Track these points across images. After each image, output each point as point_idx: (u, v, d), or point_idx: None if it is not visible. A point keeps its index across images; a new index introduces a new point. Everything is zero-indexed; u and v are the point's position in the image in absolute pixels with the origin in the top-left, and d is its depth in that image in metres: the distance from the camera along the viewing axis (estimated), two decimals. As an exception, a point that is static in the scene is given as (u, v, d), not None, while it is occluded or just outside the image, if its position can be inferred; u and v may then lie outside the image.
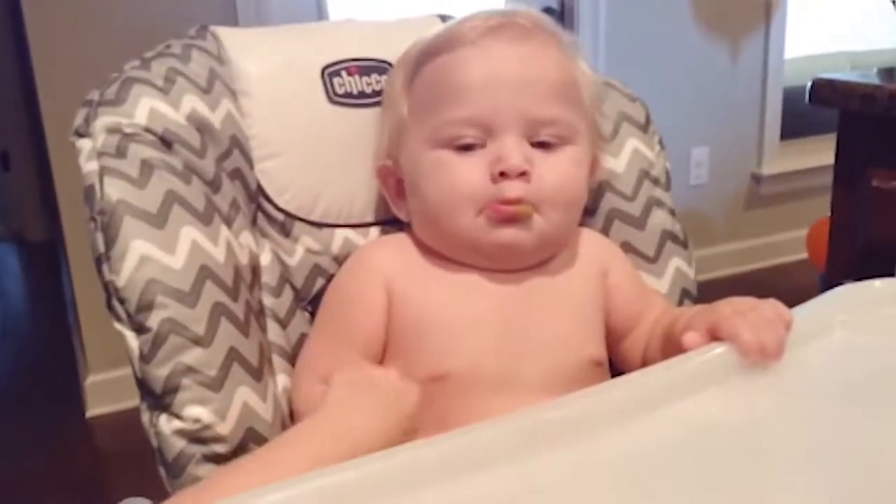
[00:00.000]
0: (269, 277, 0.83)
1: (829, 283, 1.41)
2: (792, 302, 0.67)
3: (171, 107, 0.78)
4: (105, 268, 0.71)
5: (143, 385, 0.70)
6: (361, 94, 0.88)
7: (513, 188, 0.74)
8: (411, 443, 0.56)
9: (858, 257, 1.40)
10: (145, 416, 0.71)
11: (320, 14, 2.30)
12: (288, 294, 0.85)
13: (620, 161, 0.92)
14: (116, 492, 1.84)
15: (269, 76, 0.86)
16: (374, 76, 0.89)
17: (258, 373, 0.73)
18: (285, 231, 0.85)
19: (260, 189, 0.84)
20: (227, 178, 0.80)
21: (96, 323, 2.10)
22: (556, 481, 0.53)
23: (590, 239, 0.86)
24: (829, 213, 1.49)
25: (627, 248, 0.90)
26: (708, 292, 0.89)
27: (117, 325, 0.71)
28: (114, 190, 0.72)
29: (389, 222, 0.88)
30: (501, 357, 0.75)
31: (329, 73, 0.87)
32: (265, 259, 0.84)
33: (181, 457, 0.69)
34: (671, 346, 0.71)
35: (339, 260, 0.86)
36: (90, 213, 0.73)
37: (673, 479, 0.54)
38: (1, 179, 3.60)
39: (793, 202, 2.95)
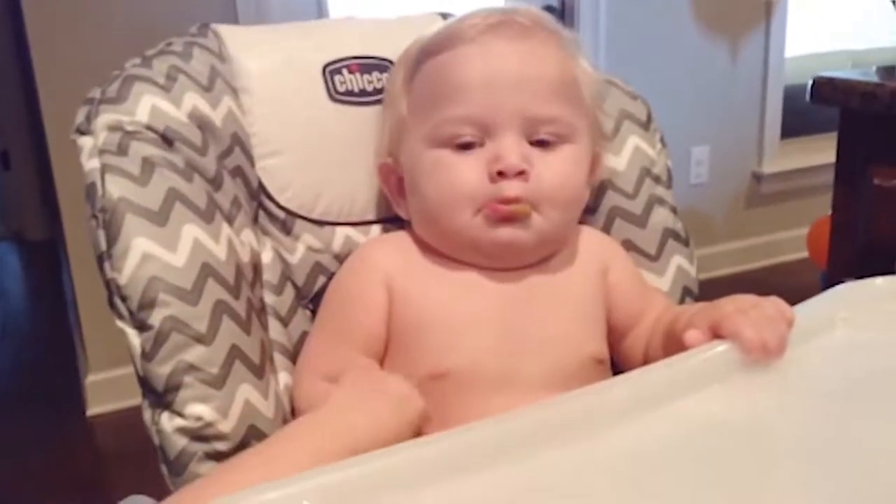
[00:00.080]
0: (270, 275, 0.83)
1: (830, 281, 1.42)
2: (793, 300, 0.67)
3: (172, 104, 0.78)
4: (107, 266, 0.71)
5: (145, 383, 0.70)
6: (363, 92, 0.88)
7: (511, 187, 0.74)
8: (412, 440, 0.56)
9: (859, 255, 1.40)
10: (147, 414, 0.71)
11: (320, 12, 2.29)
12: (289, 292, 0.85)
13: (622, 159, 0.92)
14: (117, 491, 1.84)
15: (271, 74, 0.86)
16: (375, 74, 0.89)
17: (260, 370, 0.73)
18: (286, 229, 0.85)
19: (261, 187, 0.84)
20: (228, 175, 0.80)
21: (97, 322, 2.10)
22: (556, 480, 0.53)
23: (590, 237, 0.86)
24: (829, 212, 1.49)
25: (629, 246, 0.90)
26: (709, 291, 0.89)
27: (119, 323, 0.71)
28: (115, 188, 0.72)
29: (390, 220, 0.88)
30: (501, 355, 0.75)
31: (330, 70, 0.87)
32: (266, 257, 0.84)
33: (183, 455, 0.69)
34: (673, 344, 0.71)
35: (341, 258, 0.86)
36: (92, 210, 0.73)
37: (674, 478, 0.54)
38: (1, 178, 3.60)
39: (793, 201, 2.95)
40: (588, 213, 0.90)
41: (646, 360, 0.80)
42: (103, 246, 0.72)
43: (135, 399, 0.73)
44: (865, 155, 1.39)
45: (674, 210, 0.93)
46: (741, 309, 0.65)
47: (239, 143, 0.82)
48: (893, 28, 2.78)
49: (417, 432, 0.66)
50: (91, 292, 2.06)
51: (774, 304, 0.66)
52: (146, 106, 0.76)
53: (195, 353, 0.69)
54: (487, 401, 0.73)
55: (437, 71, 0.79)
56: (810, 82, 1.44)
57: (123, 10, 2.03)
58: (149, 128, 0.76)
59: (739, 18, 2.75)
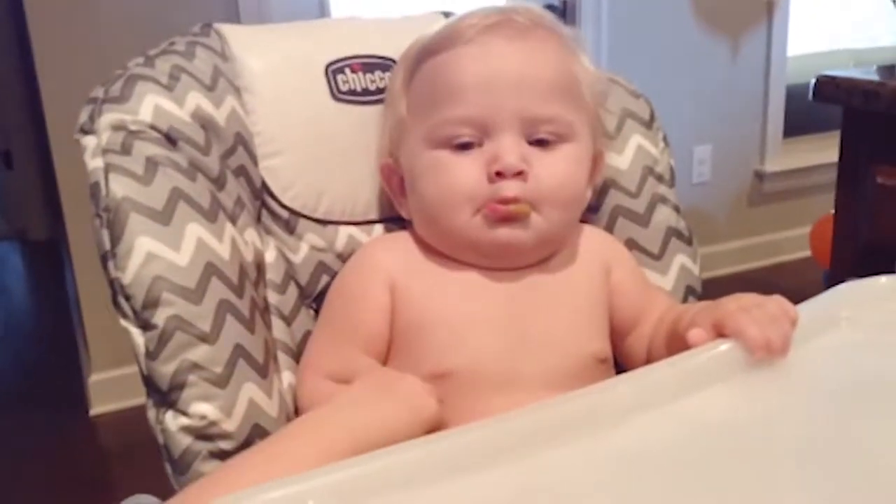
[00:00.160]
0: (273, 274, 0.83)
1: (832, 280, 1.42)
2: (795, 299, 0.67)
3: (175, 104, 0.78)
4: (111, 265, 0.72)
5: (149, 382, 0.70)
6: (365, 91, 0.88)
7: (509, 188, 0.74)
8: (415, 440, 0.56)
9: (862, 254, 1.40)
10: (151, 413, 0.71)
11: (322, 11, 2.30)
12: (293, 291, 0.85)
13: (624, 158, 0.92)
14: (120, 490, 1.84)
15: (273, 73, 0.86)
16: (378, 73, 0.89)
17: (264, 369, 0.74)
18: (290, 228, 0.85)
19: (264, 186, 0.84)
20: (231, 175, 0.80)
21: (99, 321, 2.11)
22: (559, 479, 0.53)
23: (593, 236, 0.86)
24: (831, 211, 1.49)
25: (632, 245, 0.90)
26: (711, 290, 0.89)
27: (123, 322, 0.71)
28: (119, 187, 0.72)
29: (393, 220, 0.88)
30: (503, 355, 0.75)
31: (333, 70, 0.87)
32: (270, 256, 0.84)
33: (187, 453, 0.69)
34: (676, 343, 0.71)
35: (344, 257, 0.86)
36: (95, 210, 0.73)
37: (677, 476, 0.54)
38: (4, 178, 3.60)
39: (796, 200, 2.95)
40: (591, 212, 0.90)
41: (649, 359, 0.80)
42: (107, 245, 0.72)
43: (138, 398, 0.73)
44: (868, 154, 1.39)
45: (677, 209, 0.92)
46: (745, 308, 0.65)
47: (242, 142, 0.82)
48: (894, 27, 2.77)
49: (430, 433, 0.66)
50: (94, 292, 2.06)
51: (778, 302, 0.66)
52: (149, 105, 0.76)
53: (199, 352, 0.70)
54: (489, 400, 0.73)
55: (435, 71, 0.79)
56: (813, 81, 1.44)
57: (125, 9, 2.03)
58: (152, 127, 0.76)
59: (742, 17, 2.74)
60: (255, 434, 0.71)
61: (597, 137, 0.84)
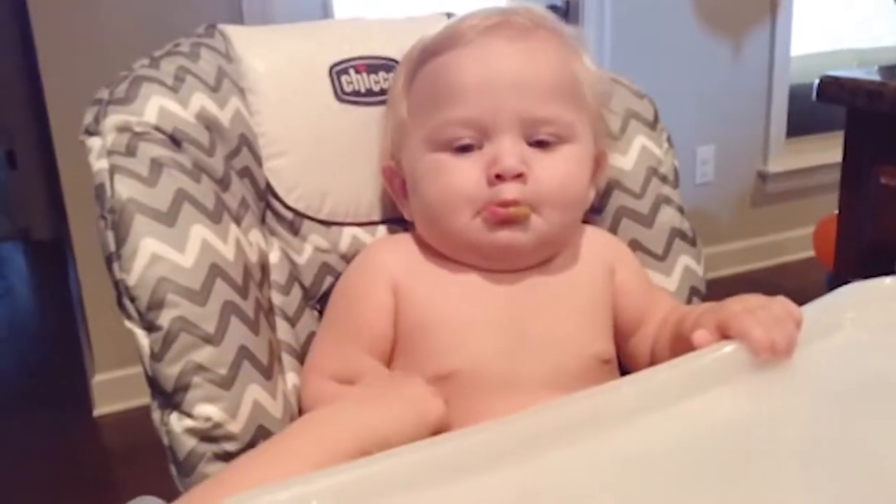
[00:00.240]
0: (278, 275, 0.83)
1: (836, 280, 1.41)
2: (798, 300, 0.67)
3: (180, 105, 0.78)
4: (116, 266, 0.72)
5: (154, 383, 0.70)
6: (369, 92, 0.88)
7: (509, 190, 0.74)
8: (418, 442, 0.56)
9: (866, 255, 1.40)
10: (156, 415, 0.71)
11: (325, 13, 2.30)
12: (297, 292, 0.85)
13: (628, 159, 0.91)
14: (124, 490, 1.85)
15: (278, 74, 0.86)
16: (382, 74, 0.89)
17: (268, 371, 0.74)
18: (294, 229, 0.85)
19: (269, 187, 0.84)
20: (236, 176, 0.81)
21: (103, 321, 2.11)
22: (562, 481, 0.53)
23: (596, 237, 0.86)
24: (835, 211, 1.49)
25: (635, 245, 0.90)
26: (714, 290, 0.89)
27: (128, 324, 0.71)
28: (124, 188, 0.72)
29: (396, 221, 0.89)
30: (505, 356, 0.76)
31: (337, 71, 0.88)
32: (274, 257, 0.84)
33: (192, 455, 0.69)
34: (680, 344, 0.71)
35: (348, 258, 0.86)
36: (100, 211, 0.73)
37: (681, 478, 0.54)
38: (8, 178, 3.61)
39: (799, 200, 2.95)
40: (595, 212, 0.90)
41: (652, 361, 0.80)
42: (112, 247, 0.72)
43: (142, 399, 0.73)
44: (872, 154, 1.39)
45: (681, 210, 0.92)
46: (749, 309, 0.65)
47: (246, 143, 0.82)
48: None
49: (436, 434, 0.66)
50: (97, 292, 2.06)
51: (782, 304, 0.66)
52: (154, 107, 0.77)
53: (204, 354, 0.70)
54: (492, 402, 0.73)
55: (435, 74, 0.79)
56: (817, 81, 1.43)
57: (128, 9, 2.03)
58: (157, 129, 0.76)
59: (745, 17, 2.74)
60: (260, 435, 0.71)
61: (599, 138, 0.84)
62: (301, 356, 0.82)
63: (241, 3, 2.13)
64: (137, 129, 0.75)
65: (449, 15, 0.94)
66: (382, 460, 0.52)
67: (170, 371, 0.69)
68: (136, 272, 0.70)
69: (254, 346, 0.73)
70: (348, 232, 0.87)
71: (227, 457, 0.70)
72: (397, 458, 0.52)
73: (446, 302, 0.78)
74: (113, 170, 0.73)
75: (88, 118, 0.77)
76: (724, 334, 0.65)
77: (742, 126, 2.83)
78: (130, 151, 0.74)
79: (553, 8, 2.32)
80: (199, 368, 0.69)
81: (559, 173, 0.77)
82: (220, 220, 0.75)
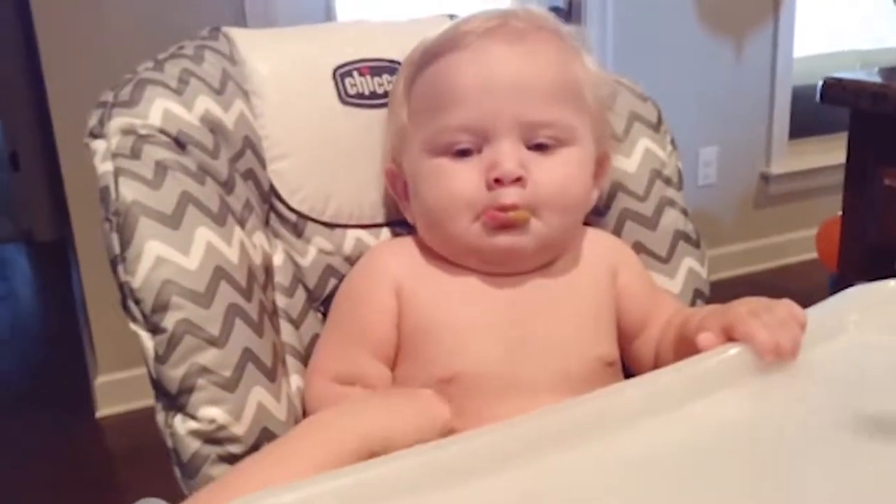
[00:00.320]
0: (281, 278, 0.83)
1: (840, 282, 1.41)
2: (801, 302, 0.67)
3: (184, 108, 0.78)
4: (120, 269, 0.72)
5: (158, 386, 0.71)
6: (373, 95, 0.88)
7: (508, 195, 0.74)
8: (422, 445, 0.56)
9: (870, 256, 1.40)
10: (160, 417, 0.72)
11: (328, 15, 2.30)
12: (300, 295, 0.85)
13: (632, 161, 0.91)
14: (126, 492, 1.85)
15: (282, 77, 0.86)
16: (386, 76, 0.89)
17: (272, 373, 0.74)
18: (297, 231, 0.85)
19: (272, 189, 0.84)
20: (240, 178, 0.81)
21: (106, 323, 2.11)
22: (566, 483, 0.53)
23: (599, 239, 0.86)
24: (838, 213, 1.49)
25: (639, 248, 0.90)
26: (717, 292, 0.89)
27: (132, 326, 0.71)
28: (129, 191, 0.72)
29: (400, 223, 0.88)
30: (507, 359, 0.76)
31: (341, 73, 0.88)
32: (278, 259, 0.84)
33: (196, 457, 0.69)
34: (684, 347, 0.71)
35: (352, 260, 0.86)
36: (105, 214, 0.74)
37: (686, 481, 0.54)
38: (10, 179, 3.61)
39: (802, 202, 2.94)
40: (598, 215, 0.90)
41: (656, 363, 0.80)
42: (117, 249, 0.72)
43: (144, 400, 0.73)
44: (875, 156, 1.39)
45: (685, 212, 0.92)
46: (754, 311, 0.65)
47: (250, 145, 0.82)
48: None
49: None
50: (100, 293, 2.06)
51: (787, 306, 0.66)
52: (159, 109, 0.77)
53: (208, 356, 0.70)
54: (496, 404, 0.73)
55: (434, 78, 0.79)
56: (820, 83, 1.43)
57: (132, 11, 2.03)
58: (161, 131, 0.76)
59: (747, 19, 2.74)
60: (264, 438, 0.71)
61: (601, 140, 0.83)
62: (305, 358, 0.82)
63: (243, 6, 2.13)
64: (142, 131, 0.76)
65: (452, 17, 0.94)
66: (386, 463, 0.52)
67: (174, 373, 0.69)
68: (141, 274, 0.70)
69: (258, 348, 0.73)
70: (352, 234, 0.87)
71: (231, 459, 0.70)
72: (401, 460, 0.52)
73: (448, 305, 0.78)
74: (117, 172, 0.73)
75: (93, 121, 0.77)
76: (728, 337, 0.65)
77: (745, 128, 2.83)
78: (135, 154, 0.74)
79: (555, 9, 2.32)
80: (204, 371, 0.69)
81: (559, 176, 0.76)
82: (224, 223, 0.75)
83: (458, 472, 0.52)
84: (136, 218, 0.71)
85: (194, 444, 0.69)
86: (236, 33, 0.87)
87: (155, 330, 0.70)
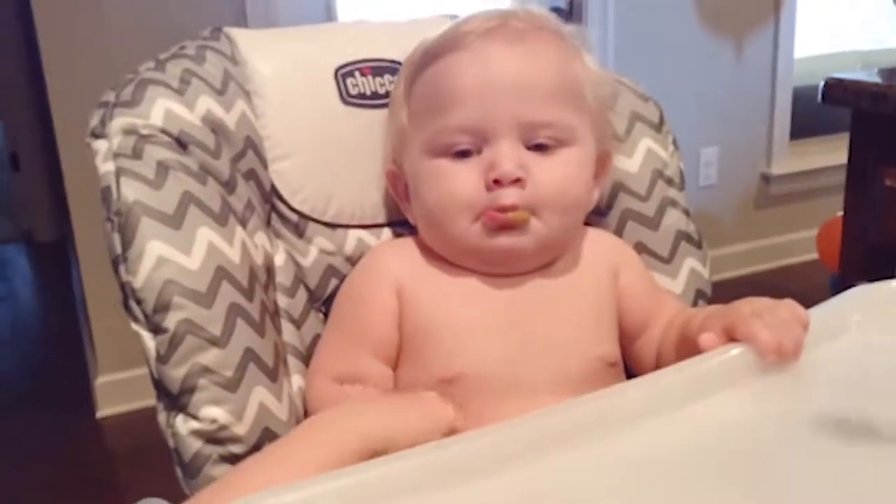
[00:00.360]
0: (283, 278, 0.83)
1: (841, 282, 1.41)
2: (802, 302, 0.67)
3: (186, 108, 0.78)
4: (122, 269, 0.72)
5: (160, 386, 0.71)
6: (375, 95, 0.88)
7: (507, 195, 0.74)
8: (423, 445, 0.56)
9: (871, 257, 1.40)
10: (162, 417, 0.71)
11: (329, 15, 2.30)
12: (302, 295, 0.85)
13: (634, 161, 0.91)
14: (127, 492, 1.85)
15: (283, 77, 0.86)
16: (387, 77, 0.89)
17: (274, 373, 0.74)
18: (299, 232, 0.85)
19: (274, 189, 0.84)
20: (241, 178, 0.81)
21: (106, 323, 2.11)
22: (568, 483, 0.53)
23: (601, 239, 0.86)
24: (839, 213, 1.49)
25: (641, 248, 0.89)
26: (717, 293, 0.89)
27: (134, 326, 0.71)
28: (130, 191, 0.72)
29: (401, 223, 0.88)
30: (507, 360, 0.76)
31: (342, 73, 0.88)
32: (279, 259, 0.84)
33: (198, 457, 0.69)
34: (686, 347, 0.71)
35: (353, 261, 0.86)
36: (107, 214, 0.74)
37: (687, 482, 0.54)
38: (11, 180, 3.62)
39: (803, 202, 2.94)
40: (600, 215, 0.90)
41: (658, 363, 0.80)
42: (118, 249, 0.72)
43: (145, 400, 0.74)
44: (877, 156, 1.39)
45: (686, 212, 0.92)
46: (756, 312, 0.65)
47: (252, 146, 0.82)
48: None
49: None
50: (101, 293, 2.06)
51: (790, 307, 0.65)
52: (160, 109, 0.77)
53: (210, 356, 0.70)
54: (497, 405, 0.72)
55: (433, 79, 0.79)
56: (822, 83, 1.44)
57: (132, 11, 2.03)
58: (163, 131, 0.76)
59: (748, 19, 2.74)
60: (266, 438, 0.71)
61: (602, 139, 0.83)
62: (306, 358, 0.82)
63: (244, 6, 2.13)
64: (143, 131, 0.76)
65: (453, 17, 0.94)
66: (387, 463, 0.52)
67: (176, 373, 0.69)
68: (143, 274, 0.70)
69: (259, 348, 0.73)
70: (353, 234, 0.87)
71: (232, 459, 0.70)
72: (403, 461, 0.52)
73: (448, 306, 0.78)
74: (119, 172, 0.73)
75: (94, 121, 0.77)
76: (730, 337, 0.65)
77: (745, 128, 2.83)
78: (137, 154, 0.74)
79: (556, 10, 2.32)
80: (205, 370, 0.69)
81: (558, 176, 0.76)
82: (225, 223, 0.75)
83: (460, 473, 0.52)
84: (137, 218, 0.71)
85: (196, 444, 0.69)
86: (238, 34, 0.87)
87: (156, 330, 0.70)
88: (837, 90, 1.41)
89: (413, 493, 0.50)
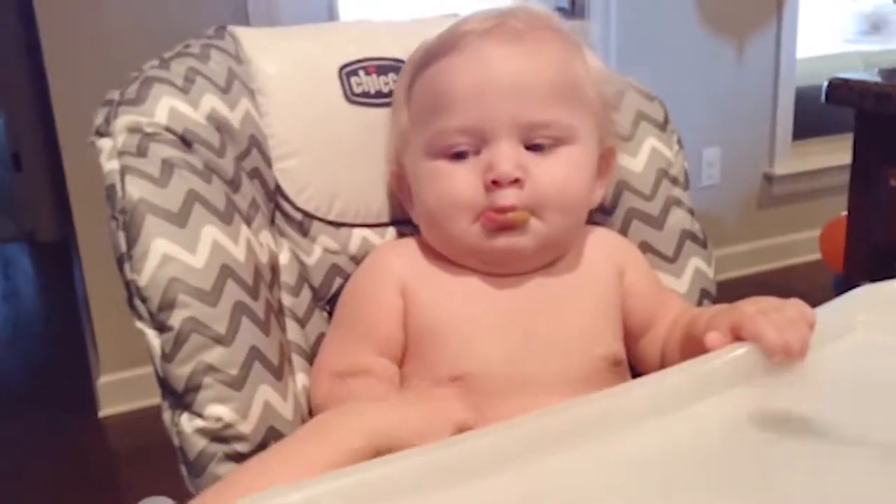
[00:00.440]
0: (287, 277, 0.83)
1: (845, 282, 1.41)
2: (805, 302, 0.67)
3: (190, 106, 0.78)
4: (127, 267, 0.72)
5: (165, 384, 0.70)
6: (379, 94, 0.88)
7: (506, 196, 0.74)
8: (423, 445, 0.56)
9: (875, 256, 1.40)
10: (167, 415, 0.71)
11: (331, 14, 2.30)
12: (306, 293, 0.85)
13: (639, 160, 0.91)
14: (129, 492, 1.85)
15: (288, 75, 0.86)
16: (392, 75, 0.89)
17: (279, 371, 0.74)
18: (303, 230, 0.85)
19: (278, 188, 0.84)
20: (246, 177, 0.81)
21: (109, 323, 2.11)
22: (569, 483, 0.53)
23: (604, 238, 0.86)
24: (841, 213, 1.49)
25: (646, 247, 0.89)
26: (720, 293, 0.89)
27: (139, 324, 0.71)
28: (135, 189, 0.72)
29: (406, 222, 0.88)
30: (512, 359, 0.76)
31: (346, 72, 0.87)
32: (284, 258, 0.84)
33: (203, 456, 0.69)
34: (691, 346, 0.71)
35: (357, 260, 0.86)
36: (111, 212, 0.74)
37: (692, 481, 0.54)
38: (13, 180, 3.62)
39: (805, 202, 2.94)
40: (605, 214, 0.90)
41: (663, 363, 0.80)
42: (123, 247, 0.72)
43: (147, 400, 0.74)
44: (880, 156, 1.39)
45: (691, 211, 0.92)
46: (763, 311, 0.64)
47: (256, 144, 0.82)
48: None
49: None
50: (103, 293, 2.06)
51: (796, 306, 0.65)
52: (165, 108, 0.77)
53: (215, 355, 0.70)
54: (500, 404, 0.72)
55: (432, 81, 0.79)
56: (825, 84, 1.43)
57: (134, 11, 2.04)
58: (168, 129, 0.76)
59: (750, 19, 2.74)
60: (271, 436, 0.71)
61: (605, 137, 0.83)
62: (311, 357, 0.82)
63: (246, 5, 2.13)
64: (148, 129, 0.75)
65: (455, 17, 0.94)
66: (390, 463, 0.52)
67: (181, 371, 0.69)
68: (148, 273, 0.70)
69: (264, 346, 0.73)
70: (358, 233, 0.87)
71: (237, 457, 0.70)
72: (405, 460, 0.52)
73: (451, 306, 0.78)
74: (124, 170, 0.73)
75: (99, 119, 0.77)
76: (736, 336, 0.64)
77: (748, 128, 2.83)
78: (141, 152, 0.74)
79: (559, 10, 2.32)
80: (210, 369, 0.69)
81: (558, 176, 0.76)
82: (230, 221, 0.75)
83: (462, 472, 0.52)
84: (142, 216, 0.71)
85: (201, 443, 0.69)
86: (242, 32, 0.87)
87: (161, 328, 0.70)
88: (842, 90, 1.41)
89: (415, 493, 0.50)
